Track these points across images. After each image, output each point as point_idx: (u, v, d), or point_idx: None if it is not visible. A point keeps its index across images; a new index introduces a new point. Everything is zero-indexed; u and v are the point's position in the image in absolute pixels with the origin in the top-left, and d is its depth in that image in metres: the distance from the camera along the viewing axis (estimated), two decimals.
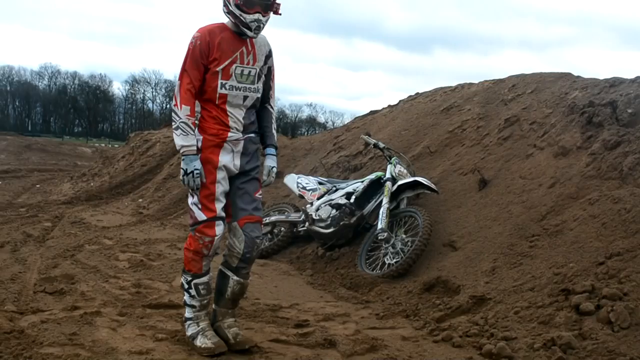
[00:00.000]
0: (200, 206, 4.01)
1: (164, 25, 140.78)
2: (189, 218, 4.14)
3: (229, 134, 4.04)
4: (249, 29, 3.97)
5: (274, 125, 4.46)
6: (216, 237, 4.00)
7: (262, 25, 4.00)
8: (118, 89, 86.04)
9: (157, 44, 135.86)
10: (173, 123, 3.98)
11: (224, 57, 3.98)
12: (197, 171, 3.92)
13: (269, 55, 4.25)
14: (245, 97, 4.09)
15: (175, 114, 3.94)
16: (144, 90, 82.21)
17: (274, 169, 4.39)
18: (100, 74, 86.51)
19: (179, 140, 3.94)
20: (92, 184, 15.31)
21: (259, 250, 4.31)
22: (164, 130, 18.57)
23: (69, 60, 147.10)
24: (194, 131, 3.94)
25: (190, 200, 4.09)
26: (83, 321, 4.40)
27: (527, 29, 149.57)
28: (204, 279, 4.12)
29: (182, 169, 3.95)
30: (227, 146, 4.05)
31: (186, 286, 4.12)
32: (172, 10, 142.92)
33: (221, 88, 3.99)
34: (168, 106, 78.95)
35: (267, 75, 4.30)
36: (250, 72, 4.09)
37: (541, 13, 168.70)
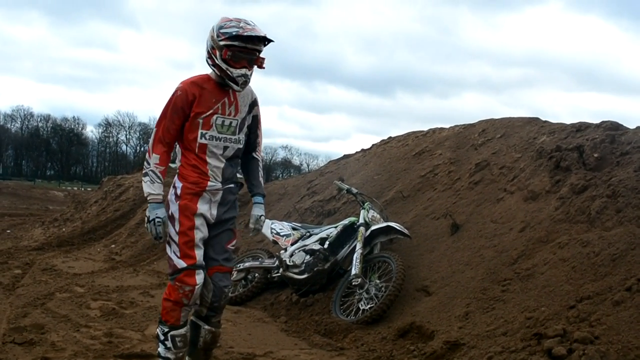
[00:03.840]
0: (179, 254, 3.96)
1: (131, 69, 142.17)
2: (168, 267, 4.08)
3: (209, 183, 4.04)
4: (236, 83, 3.98)
5: (261, 174, 4.49)
6: (197, 287, 3.95)
7: (248, 79, 4.02)
8: (91, 131, 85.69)
9: (124, 88, 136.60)
10: (144, 169, 4.04)
11: (205, 108, 3.98)
12: (159, 219, 3.94)
13: (253, 104, 4.26)
14: (225, 148, 4.08)
15: (147, 161, 3.99)
16: (118, 133, 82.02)
17: (263, 217, 4.42)
18: (74, 116, 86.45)
19: (145, 187, 3.98)
20: (64, 229, 15.11)
21: (227, 299, 4.30)
22: (138, 174, 18.48)
23: (37, 103, 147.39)
24: (161, 180, 3.98)
25: (168, 249, 4.03)
26: None
27: (484, 71, 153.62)
28: (182, 330, 4.05)
29: (146, 216, 3.97)
30: (206, 195, 4.05)
31: (162, 337, 4.04)
32: (137, 54, 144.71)
33: (201, 138, 3.99)
34: (142, 149, 78.81)
35: (254, 125, 4.32)
36: (231, 122, 4.08)
37: (494, 55, 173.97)
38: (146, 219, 3.97)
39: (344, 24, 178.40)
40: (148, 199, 3.98)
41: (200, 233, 4.03)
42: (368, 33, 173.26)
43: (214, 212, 4.10)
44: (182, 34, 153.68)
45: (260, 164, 4.49)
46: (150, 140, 4.04)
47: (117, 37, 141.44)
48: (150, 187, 3.97)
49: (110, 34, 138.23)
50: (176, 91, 3.98)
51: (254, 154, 4.41)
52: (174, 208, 4.02)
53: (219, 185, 4.10)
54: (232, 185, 4.20)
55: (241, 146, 4.21)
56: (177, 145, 4.14)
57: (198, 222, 4.01)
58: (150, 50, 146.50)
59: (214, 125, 4.01)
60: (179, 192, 4.03)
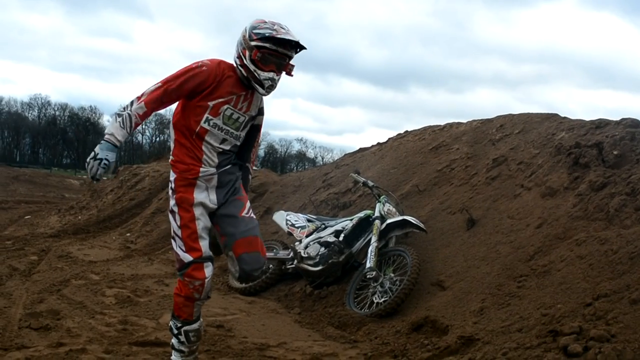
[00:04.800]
0: (184, 247, 3.89)
1: (145, 59, 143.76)
2: (175, 263, 4.01)
3: (201, 169, 3.94)
4: (262, 86, 3.90)
5: (249, 184, 4.44)
6: (206, 279, 3.89)
7: (275, 84, 3.93)
8: (108, 121, 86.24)
9: (139, 78, 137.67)
10: (120, 110, 3.70)
11: (220, 95, 3.88)
12: (106, 163, 3.50)
13: (261, 112, 4.19)
14: (223, 140, 3.98)
15: (129, 104, 3.68)
16: None
17: None
18: (91, 106, 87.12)
19: (111, 127, 3.62)
20: (79, 217, 15.20)
21: (262, 272, 4.26)
22: (153, 164, 18.56)
23: (54, 92, 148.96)
24: (131, 129, 3.65)
25: (174, 244, 3.97)
26: (68, 358, 4.36)
27: (497, 67, 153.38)
28: (195, 325, 4.04)
29: (94, 151, 3.53)
30: (201, 183, 3.96)
31: (175, 331, 4.02)
32: (151, 44, 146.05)
33: (205, 122, 3.87)
34: (157, 139, 79.18)
35: (254, 135, 4.25)
36: (239, 118, 3.99)
37: (508, 51, 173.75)
38: (92, 154, 3.52)
39: (357, 17, 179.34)
40: (106, 137, 3.59)
41: (202, 223, 3.95)
42: (381, 27, 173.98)
43: (213, 197, 4.02)
44: (194, 25, 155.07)
45: (250, 176, 4.43)
46: (146, 91, 3.74)
47: (131, 27, 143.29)
48: (117, 129, 3.60)
49: (124, 24, 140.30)
50: (201, 65, 3.84)
51: (247, 165, 4.32)
52: (172, 202, 3.95)
53: (213, 170, 3.99)
54: (228, 167, 4.09)
55: (239, 143, 4.12)
56: (171, 130, 4.00)
57: (197, 212, 3.93)
58: (163, 40, 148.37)
59: (222, 114, 3.91)
60: (173, 185, 3.95)
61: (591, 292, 4.79)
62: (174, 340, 4.07)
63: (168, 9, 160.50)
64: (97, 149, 3.54)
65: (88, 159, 3.53)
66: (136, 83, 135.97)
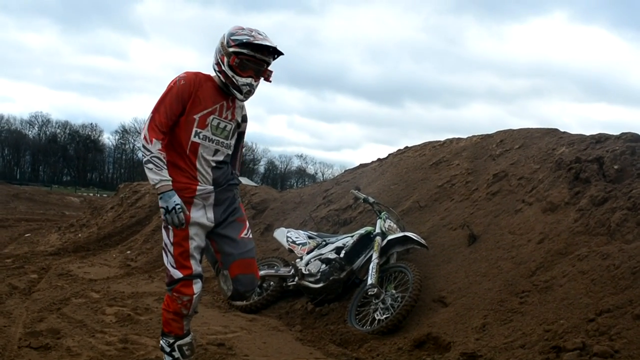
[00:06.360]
0: (175, 264, 3.93)
1: (140, 77, 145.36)
2: (165, 277, 4.03)
3: (198, 187, 3.95)
4: (240, 92, 3.93)
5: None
6: (195, 296, 3.93)
7: (253, 90, 3.97)
8: (108, 138, 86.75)
9: (135, 95, 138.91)
10: (143, 157, 3.81)
11: (203, 106, 3.92)
12: (179, 206, 3.72)
13: (244, 119, 4.22)
14: (216, 151, 4.01)
15: (146, 148, 3.78)
16: (134, 140, 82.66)
17: None
18: (92, 123, 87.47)
19: (153, 175, 3.75)
20: (79, 234, 15.20)
21: (250, 295, 4.26)
22: None
23: (51, 110, 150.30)
24: (166, 165, 3.79)
25: (165, 259, 4.00)
26: None
27: (491, 81, 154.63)
28: (187, 339, 4.04)
29: (162, 207, 3.75)
30: (198, 202, 3.96)
31: (168, 349, 4.00)
32: (146, 62, 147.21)
33: (195, 136, 3.91)
34: None
35: (239, 139, 4.26)
36: (226, 126, 4.03)
37: (501, 66, 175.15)
38: (163, 210, 3.74)
39: (349, 34, 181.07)
40: (158, 186, 3.75)
41: (195, 242, 3.96)
42: (373, 43, 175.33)
43: (211, 215, 4.03)
44: (188, 43, 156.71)
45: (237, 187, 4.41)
46: (145, 128, 3.84)
47: (127, 46, 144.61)
48: (158, 174, 3.74)
49: (119, 42, 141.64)
50: (179, 80, 3.89)
51: (233, 171, 4.31)
52: None
53: (210, 187, 4.01)
54: (225, 185, 4.11)
55: (230, 152, 4.16)
56: None
57: (192, 231, 3.94)
58: (158, 58, 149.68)
59: (209, 125, 3.94)
60: None
61: (594, 307, 4.77)
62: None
63: (162, 27, 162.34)
64: (161, 203, 3.76)
65: (164, 216, 3.76)
66: (133, 100, 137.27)
